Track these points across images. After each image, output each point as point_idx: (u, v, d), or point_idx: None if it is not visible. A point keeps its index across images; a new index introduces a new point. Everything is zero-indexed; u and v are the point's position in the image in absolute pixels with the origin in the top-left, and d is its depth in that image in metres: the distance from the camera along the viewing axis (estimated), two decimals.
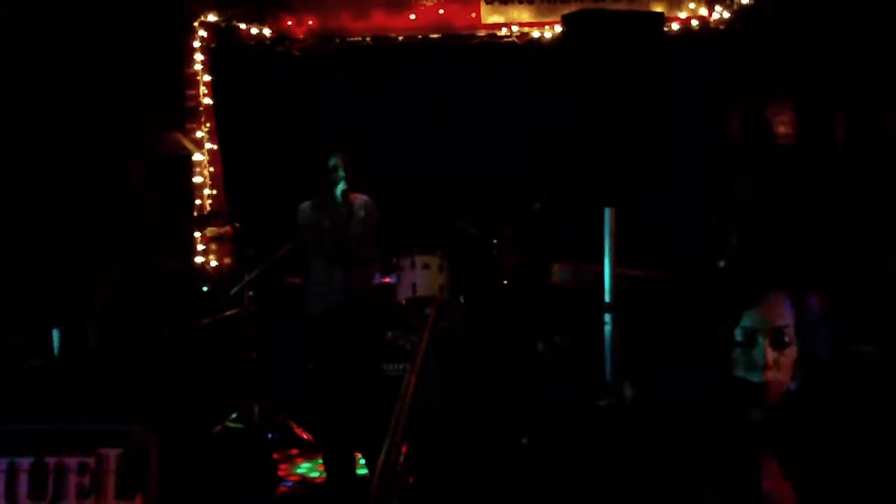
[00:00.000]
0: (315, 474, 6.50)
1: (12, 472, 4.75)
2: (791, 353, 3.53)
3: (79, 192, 7.32)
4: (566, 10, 7.78)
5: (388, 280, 6.72)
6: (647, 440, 5.22)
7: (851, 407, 4.22)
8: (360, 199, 6.43)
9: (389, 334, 6.96)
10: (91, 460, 4.82)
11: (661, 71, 7.53)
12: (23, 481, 4.74)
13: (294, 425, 7.16)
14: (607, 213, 5.97)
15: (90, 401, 5.86)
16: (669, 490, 4.26)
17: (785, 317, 3.95)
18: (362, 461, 6.19)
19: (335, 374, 6.10)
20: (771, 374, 3.75)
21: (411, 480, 5.29)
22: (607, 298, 5.86)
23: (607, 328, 5.81)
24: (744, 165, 5.83)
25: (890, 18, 7.47)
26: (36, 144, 7.48)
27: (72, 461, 4.80)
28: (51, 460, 4.78)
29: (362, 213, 6.37)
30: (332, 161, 6.34)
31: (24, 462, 4.78)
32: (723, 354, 3.75)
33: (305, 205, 6.48)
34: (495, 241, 7.32)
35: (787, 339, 3.58)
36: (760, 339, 3.73)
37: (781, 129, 6.96)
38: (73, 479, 4.79)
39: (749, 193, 5.70)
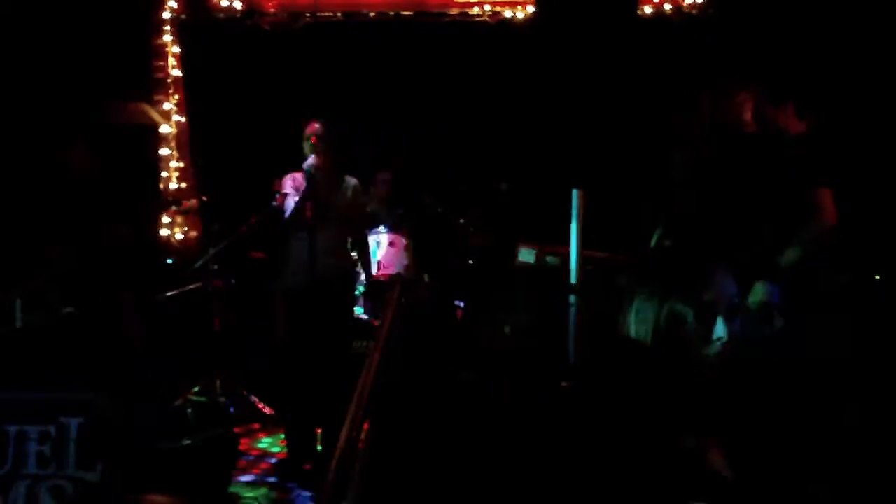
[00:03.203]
0: (276, 449, 6.50)
1: None
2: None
3: (33, 163, 7.25)
4: None
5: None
6: (603, 421, 5.26)
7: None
8: (347, 179, 6.38)
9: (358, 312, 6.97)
10: (52, 429, 4.80)
11: (633, 53, 7.56)
12: None
13: (256, 400, 7.15)
14: (575, 195, 5.96)
15: (51, 371, 5.82)
16: (628, 465, 4.30)
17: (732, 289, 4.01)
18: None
19: (304, 348, 6.07)
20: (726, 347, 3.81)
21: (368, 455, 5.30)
22: (573, 280, 5.87)
23: (572, 310, 5.82)
24: (685, 146, 5.83)
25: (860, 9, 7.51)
26: None
27: (32, 430, 4.77)
28: (11, 429, 4.76)
29: (349, 193, 6.31)
30: (308, 131, 6.27)
31: None
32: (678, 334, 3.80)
33: (287, 177, 6.40)
34: (462, 220, 7.32)
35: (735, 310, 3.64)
36: (719, 315, 3.77)
37: (746, 117, 6.97)
38: (33, 448, 4.77)
39: (685, 172, 5.71)
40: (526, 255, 6.90)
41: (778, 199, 5.52)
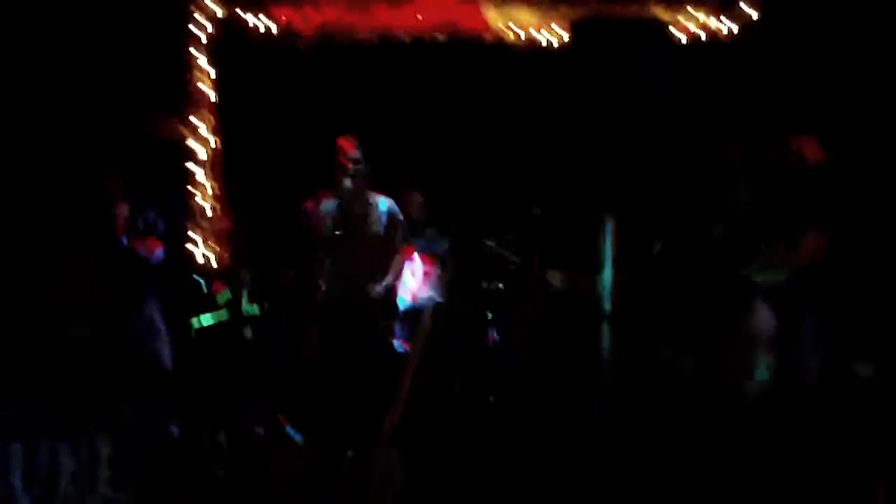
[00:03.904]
0: (306, 471, 6.47)
1: (5, 458, 4.73)
2: None
3: (64, 176, 7.29)
4: (571, 12, 7.79)
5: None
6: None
7: None
8: (381, 197, 6.38)
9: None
10: (84, 448, 4.81)
11: (667, 80, 7.53)
12: (16, 466, 4.73)
13: (286, 422, 7.13)
14: (608, 221, 5.95)
15: (84, 389, 5.83)
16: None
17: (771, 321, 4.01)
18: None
19: (335, 371, 6.07)
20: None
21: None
22: (606, 307, 5.86)
23: (605, 338, 5.81)
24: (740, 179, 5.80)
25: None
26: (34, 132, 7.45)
27: (64, 447, 4.79)
28: (44, 446, 4.78)
29: (384, 215, 6.31)
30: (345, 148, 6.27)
31: (17, 447, 4.76)
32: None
33: (324, 196, 6.40)
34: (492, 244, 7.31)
35: None
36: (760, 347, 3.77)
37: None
38: (66, 466, 4.78)
39: (745, 206, 5.67)
40: (554, 280, 6.91)
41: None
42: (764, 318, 4.83)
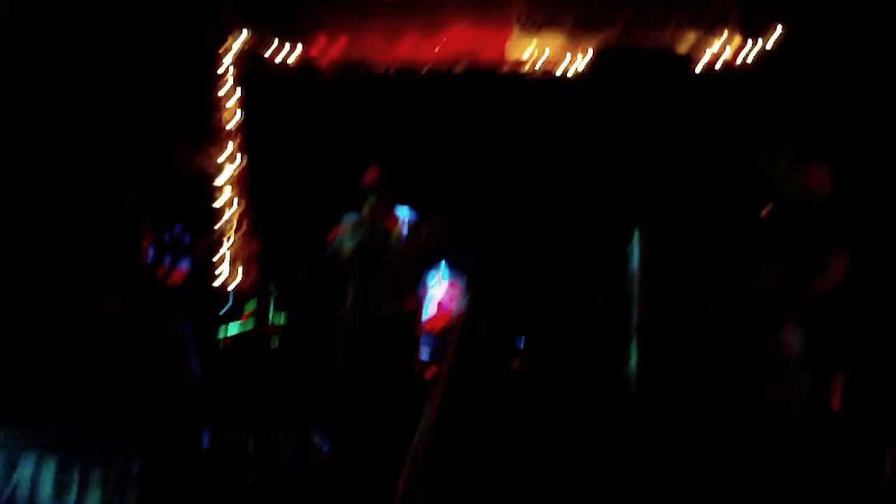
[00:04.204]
0: (336, 492, 6.46)
1: (36, 474, 4.72)
2: None
3: (93, 203, 7.33)
4: (597, 37, 7.83)
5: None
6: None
7: None
8: (401, 220, 6.42)
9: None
10: (115, 470, 4.79)
11: (689, 108, 7.56)
12: (46, 484, 4.71)
13: (314, 442, 7.12)
14: (636, 242, 5.96)
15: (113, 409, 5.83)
16: None
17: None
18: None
19: (362, 392, 6.08)
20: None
21: None
22: (634, 323, 5.86)
23: (633, 356, 5.80)
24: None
25: None
26: (61, 154, 7.51)
27: (95, 471, 4.76)
28: (73, 469, 4.75)
29: (400, 236, 6.35)
30: (364, 183, 6.34)
31: (48, 472, 4.74)
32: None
33: (345, 223, 6.45)
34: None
35: None
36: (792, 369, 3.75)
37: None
38: (95, 491, 4.75)
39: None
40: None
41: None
42: (795, 338, 4.82)
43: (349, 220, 6.45)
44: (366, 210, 6.35)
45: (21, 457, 4.68)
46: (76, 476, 4.69)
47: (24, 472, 4.64)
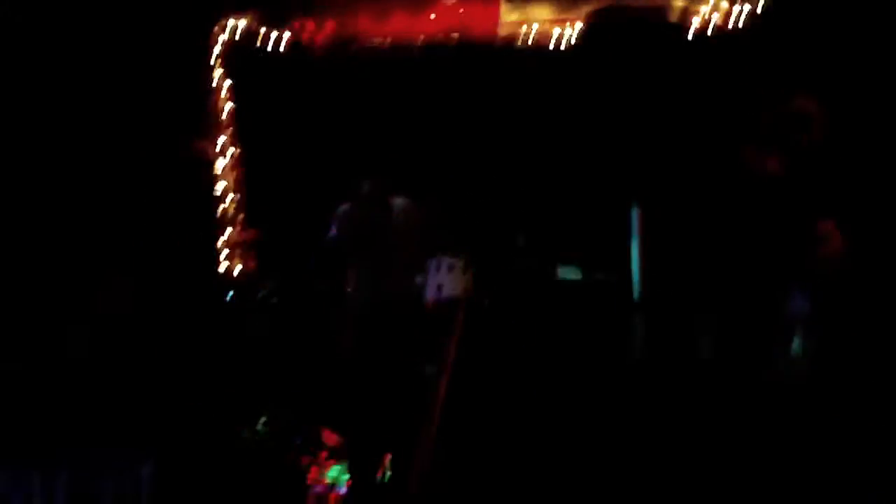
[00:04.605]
0: (346, 477, 6.47)
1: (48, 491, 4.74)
2: None
3: (93, 197, 7.33)
4: (587, 8, 7.77)
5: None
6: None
7: None
8: (399, 200, 6.41)
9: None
10: (126, 479, 4.81)
11: (683, 69, 7.52)
12: (60, 494, 4.73)
13: (322, 429, 7.14)
14: (634, 214, 5.96)
15: (115, 413, 5.84)
16: None
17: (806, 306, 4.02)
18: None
19: (369, 373, 6.10)
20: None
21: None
22: (635, 297, 5.87)
23: (635, 328, 5.82)
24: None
25: None
26: (57, 149, 7.49)
27: (107, 483, 4.79)
28: (86, 479, 4.77)
29: (401, 216, 6.35)
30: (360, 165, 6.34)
31: (60, 482, 4.76)
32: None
33: (343, 207, 6.45)
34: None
35: None
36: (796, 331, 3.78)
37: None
38: (109, 499, 4.77)
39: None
40: (571, 273, 6.91)
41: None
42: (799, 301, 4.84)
43: (347, 203, 6.44)
44: (364, 191, 6.33)
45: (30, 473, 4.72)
46: (87, 487, 4.72)
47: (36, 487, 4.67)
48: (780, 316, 4.94)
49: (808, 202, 5.34)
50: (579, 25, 8.15)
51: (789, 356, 4.82)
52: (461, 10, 8.39)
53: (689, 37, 7.91)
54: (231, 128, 8.46)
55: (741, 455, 4.95)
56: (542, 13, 8.32)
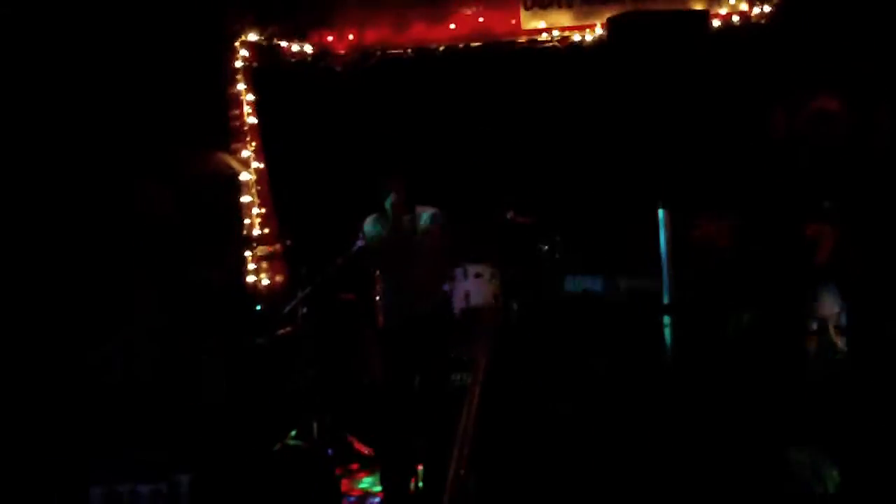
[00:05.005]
0: (377, 489, 6.49)
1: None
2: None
3: (117, 210, 7.35)
4: (606, 12, 7.76)
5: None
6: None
7: None
8: (424, 210, 6.41)
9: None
10: (164, 486, 4.83)
11: (706, 70, 7.48)
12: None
13: (353, 440, 7.16)
14: (661, 216, 5.93)
15: (151, 424, 5.87)
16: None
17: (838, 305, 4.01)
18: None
19: (400, 386, 6.10)
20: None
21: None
22: (665, 300, 5.83)
23: (667, 330, 5.78)
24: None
25: None
26: (81, 168, 7.52)
27: (144, 488, 4.80)
28: (123, 489, 4.79)
29: (426, 225, 6.34)
30: (383, 176, 6.34)
31: (96, 491, 4.78)
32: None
33: (369, 219, 6.45)
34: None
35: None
36: (830, 327, 3.77)
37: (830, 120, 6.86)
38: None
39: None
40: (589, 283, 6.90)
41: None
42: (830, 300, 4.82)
43: (373, 215, 6.45)
44: (389, 204, 6.34)
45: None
46: (125, 496, 4.75)
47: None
48: (809, 315, 4.92)
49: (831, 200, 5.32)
50: (599, 31, 8.16)
51: (823, 355, 4.80)
52: (481, 18, 8.41)
53: (711, 34, 7.89)
54: (255, 141, 8.49)
55: (778, 457, 4.93)
56: (562, 19, 8.33)
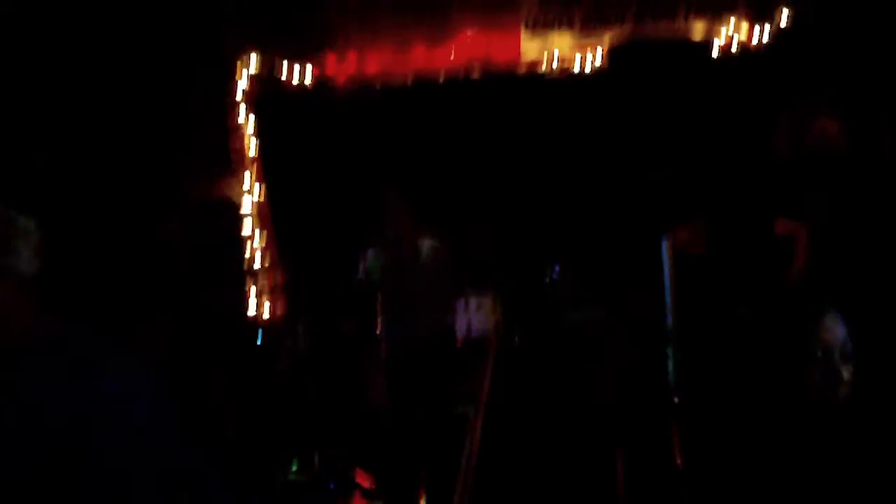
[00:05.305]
0: None
1: None
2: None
3: (116, 242, 7.31)
4: (607, 35, 7.75)
5: None
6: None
7: None
8: (425, 243, 6.39)
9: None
10: None
11: (708, 96, 7.47)
12: None
13: (356, 472, 7.09)
14: (664, 244, 5.89)
15: None
16: None
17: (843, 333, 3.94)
18: None
19: (406, 416, 6.08)
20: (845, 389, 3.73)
21: None
22: (668, 327, 5.79)
23: (670, 362, 5.74)
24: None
25: None
26: (79, 193, 7.47)
27: None
28: None
29: (429, 257, 6.33)
30: (385, 205, 6.32)
31: None
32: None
33: (370, 251, 6.44)
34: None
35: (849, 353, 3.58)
36: (836, 356, 3.70)
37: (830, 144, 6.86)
38: None
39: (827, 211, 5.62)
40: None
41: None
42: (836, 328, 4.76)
43: (376, 244, 6.43)
44: (392, 232, 6.32)
45: None
46: None
47: None
48: (814, 343, 4.86)
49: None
50: (601, 53, 8.13)
51: (828, 381, 4.73)
52: (482, 42, 8.39)
53: (713, 57, 7.87)
54: (256, 171, 8.45)
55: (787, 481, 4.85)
56: (563, 41, 8.30)
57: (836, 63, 7.59)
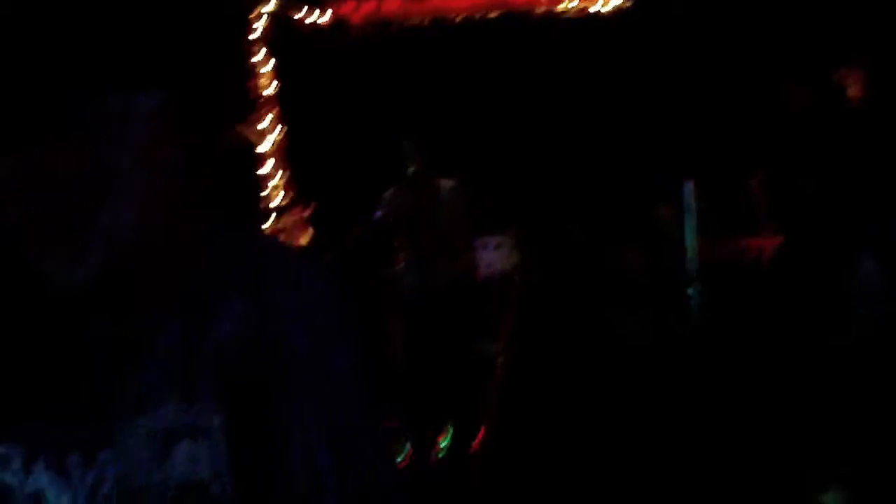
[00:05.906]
0: (399, 458, 6.49)
1: None
2: None
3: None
4: None
5: None
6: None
7: None
8: (445, 182, 6.39)
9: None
10: None
11: (731, 36, 7.40)
12: None
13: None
14: (687, 187, 5.91)
15: None
16: None
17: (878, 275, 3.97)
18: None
19: (423, 362, 6.11)
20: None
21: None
22: (691, 270, 5.83)
23: (692, 302, 5.78)
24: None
25: None
26: None
27: None
28: None
29: (447, 197, 6.33)
30: (403, 146, 6.32)
31: None
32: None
33: (388, 192, 6.44)
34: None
35: None
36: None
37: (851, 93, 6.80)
38: None
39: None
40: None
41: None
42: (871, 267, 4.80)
43: (395, 185, 6.44)
44: (410, 173, 6.33)
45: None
46: None
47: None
48: (846, 287, 4.89)
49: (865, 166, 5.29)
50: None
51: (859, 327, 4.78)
52: None
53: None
54: (274, 112, 8.43)
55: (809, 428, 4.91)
56: None
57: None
